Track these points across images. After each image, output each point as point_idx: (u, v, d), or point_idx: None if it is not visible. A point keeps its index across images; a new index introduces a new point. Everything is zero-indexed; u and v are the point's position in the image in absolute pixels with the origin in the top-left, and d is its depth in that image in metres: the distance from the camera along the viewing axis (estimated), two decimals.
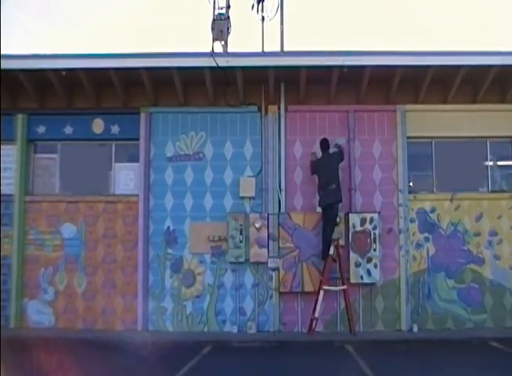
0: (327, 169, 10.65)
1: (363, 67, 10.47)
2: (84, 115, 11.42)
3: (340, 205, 10.65)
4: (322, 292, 10.28)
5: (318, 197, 10.84)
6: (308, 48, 11.15)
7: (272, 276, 10.80)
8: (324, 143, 10.90)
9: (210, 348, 9.51)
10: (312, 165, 10.96)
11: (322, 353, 9.21)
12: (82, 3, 29.11)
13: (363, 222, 10.78)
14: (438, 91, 11.23)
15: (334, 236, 10.63)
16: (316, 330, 10.40)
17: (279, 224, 10.89)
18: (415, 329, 10.58)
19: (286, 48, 11.44)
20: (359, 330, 10.60)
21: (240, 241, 10.83)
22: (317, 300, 10.29)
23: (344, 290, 10.41)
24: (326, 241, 10.50)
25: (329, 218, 10.58)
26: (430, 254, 11.02)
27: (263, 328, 10.77)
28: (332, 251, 10.38)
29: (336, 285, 10.56)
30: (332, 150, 10.90)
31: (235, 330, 10.75)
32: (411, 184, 11.30)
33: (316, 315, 10.29)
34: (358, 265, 10.67)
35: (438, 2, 27.73)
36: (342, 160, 10.85)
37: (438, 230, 11.08)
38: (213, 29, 11.50)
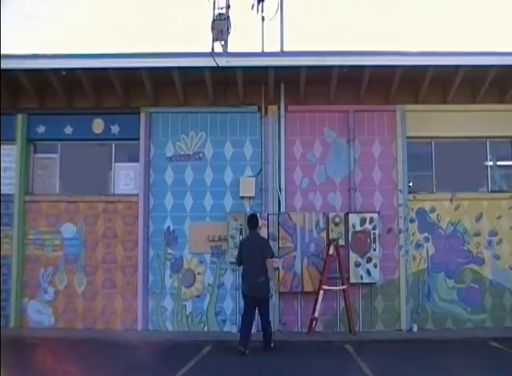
0: (255, 254, 9.06)
1: (363, 67, 10.47)
2: (84, 115, 11.42)
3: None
4: (321, 292, 10.28)
5: (241, 281, 9.52)
6: (308, 48, 11.14)
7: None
8: (253, 220, 9.52)
9: (210, 348, 9.51)
10: (239, 248, 9.50)
11: (321, 353, 9.21)
12: (80, 2, 29.11)
13: (363, 221, 10.78)
14: (438, 91, 11.24)
15: (334, 236, 10.66)
16: (316, 330, 10.40)
17: (278, 224, 10.89)
18: (415, 329, 10.59)
19: (286, 48, 11.42)
20: (359, 329, 10.60)
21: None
22: (317, 300, 10.30)
23: (344, 290, 10.42)
24: (266, 330, 9.30)
25: (261, 314, 9.26)
26: (430, 254, 11.03)
27: None
28: (332, 250, 10.39)
29: (335, 285, 10.57)
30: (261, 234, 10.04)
31: (235, 329, 10.73)
32: (411, 184, 11.31)
33: (316, 315, 10.29)
34: (357, 265, 10.68)
35: (438, 2, 27.73)
36: (270, 257, 9.23)
37: (437, 230, 11.08)
38: (213, 29, 11.49)
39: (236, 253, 9.62)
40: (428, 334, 10.31)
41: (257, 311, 9.33)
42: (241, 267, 9.45)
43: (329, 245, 10.46)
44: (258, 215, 10.81)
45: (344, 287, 10.40)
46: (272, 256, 9.36)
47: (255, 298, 9.06)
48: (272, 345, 9.27)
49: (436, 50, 10.47)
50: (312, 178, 11.15)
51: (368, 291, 10.81)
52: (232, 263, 10.90)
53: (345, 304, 10.41)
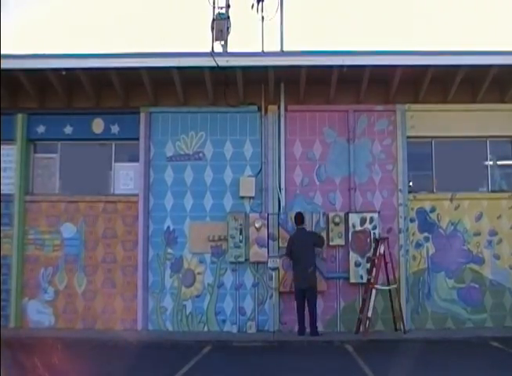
0: (304, 248, 10.13)
1: (363, 67, 10.47)
2: (84, 115, 11.42)
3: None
4: (374, 291, 10.14)
5: (292, 277, 10.43)
6: (308, 48, 11.12)
7: (271, 276, 10.79)
8: (299, 218, 10.44)
9: (210, 348, 9.51)
10: (289, 243, 10.40)
11: (322, 353, 9.21)
12: (80, 2, 29.09)
13: (363, 221, 10.78)
14: (438, 90, 11.23)
15: (384, 235, 10.56)
16: (318, 329, 10.40)
17: (278, 224, 10.89)
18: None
19: (286, 48, 11.43)
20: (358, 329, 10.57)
21: (240, 241, 10.84)
22: (365, 299, 10.20)
23: (391, 289, 10.33)
24: (312, 316, 10.15)
25: (309, 301, 10.17)
26: (430, 253, 11.02)
27: (263, 328, 10.78)
28: (382, 250, 10.21)
29: (336, 285, 10.59)
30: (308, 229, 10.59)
31: (235, 329, 10.75)
32: (411, 184, 11.31)
33: (369, 314, 10.09)
34: (357, 264, 10.67)
35: (438, 2, 27.71)
36: (321, 245, 10.46)
37: (437, 230, 11.08)
38: (213, 29, 11.49)
39: (286, 247, 10.47)
40: (428, 334, 10.30)
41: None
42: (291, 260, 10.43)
43: (378, 243, 10.26)
44: (258, 214, 10.85)
45: (395, 286, 10.33)
46: (322, 243, 10.52)
47: (305, 289, 10.16)
48: (320, 332, 10.18)
49: (436, 50, 10.46)
50: (312, 178, 11.15)
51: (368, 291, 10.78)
52: (232, 263, 10.92)
53: (391, 304, 10.32)
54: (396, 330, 10.32)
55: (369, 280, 10.32)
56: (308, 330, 10.18)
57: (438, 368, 7.96)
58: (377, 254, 10.18)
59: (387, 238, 10.44)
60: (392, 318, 10.40)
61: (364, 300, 10.28)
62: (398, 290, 10.75)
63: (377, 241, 10.31)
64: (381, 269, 10.17)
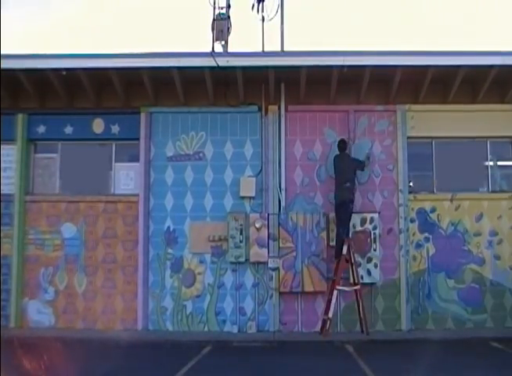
0: (343, 169, 10.58)
1: (363, 67, 10.47)
2: (85, 115, 11.43)
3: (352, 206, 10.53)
4: (335, 292, 10.16)
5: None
6: (308, 48, 11.12)
7: (272, 276, 10.82)
8: (342, 144, 10.80)
9: (211, 348, 9.51)
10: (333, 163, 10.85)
11: (322, 353, 9.21)
12: (80, 2, 29.08)
13: (363, 222, 10.78)
14: (438, 91, 11.23)
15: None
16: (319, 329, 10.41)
17: (279, 224, 10.89)
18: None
19: (286, 48, 11.43)
20: (359, 330, 10.58)
21: (240, 241, 10.83)
22: (330, 300, 10.19)
23: (357, 290, 10.32)
24: (339, 240, 10.42)
25: (340, 218, 10.48)
26: (431, 254, 11.02)
27: (263, 328, 10.78)
28: (345, 250, 10.30)
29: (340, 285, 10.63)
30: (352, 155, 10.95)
31: (235, 330, 10.75)
32: (411, 184, 11.30)
33: (330, 315, 10.16)
34: (358, 265, 10.67)
35: (438, 2, 27.72)
36: (362, 168, 10.77)
37: (438, 230, 11.08)
38: (213, 29, 11.48)
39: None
40: (428, 334, 10.30)
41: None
42: None
43: (342, 243, 10.29)
44: (259, 214, 10.83)
45: (358, 287, 10.32)
46: (363, 166, 10.81)
47: (340, 204, 10.44)
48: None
49: (436, 50, 10.46)
50: (313, 178, 11.15)
51: (368, 291, 10.78)
52: (232, 263, 10.91)
53: (358, 304, 10.29)
54: (362, 331, 10.29)
55: (333, 280, 10.33)
56: None
57: (438, 368, 7.94)
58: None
59: (352, 239, 10.43)
60: (358, 319, 10.38)
61: (328, 301, 10.27)
62: (398, 290, 10.78)
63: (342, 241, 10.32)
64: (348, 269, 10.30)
